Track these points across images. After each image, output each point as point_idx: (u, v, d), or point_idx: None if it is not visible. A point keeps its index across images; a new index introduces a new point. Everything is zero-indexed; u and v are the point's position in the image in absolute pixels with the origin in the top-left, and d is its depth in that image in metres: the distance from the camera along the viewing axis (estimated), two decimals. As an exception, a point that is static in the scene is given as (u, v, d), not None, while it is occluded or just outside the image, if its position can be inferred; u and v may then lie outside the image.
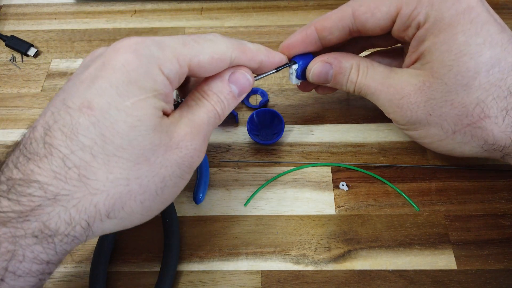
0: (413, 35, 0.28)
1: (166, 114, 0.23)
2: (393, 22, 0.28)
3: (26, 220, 0.19)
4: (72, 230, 0.20)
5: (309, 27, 0.30)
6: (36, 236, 0.19)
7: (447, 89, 0.27)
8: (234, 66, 0.26)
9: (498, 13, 0.45)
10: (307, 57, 0.32)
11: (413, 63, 0.29)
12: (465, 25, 0.26)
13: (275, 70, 0.30)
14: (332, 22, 0.30)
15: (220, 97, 0.25)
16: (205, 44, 0.24)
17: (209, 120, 0.25)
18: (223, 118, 0.26)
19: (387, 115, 0.31)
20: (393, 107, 0.30)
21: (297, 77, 0.32)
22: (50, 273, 0.21)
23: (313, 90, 0.36)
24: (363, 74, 0.31)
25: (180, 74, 0.23)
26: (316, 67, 0.31)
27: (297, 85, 0.35)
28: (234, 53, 0.25)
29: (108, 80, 0.21)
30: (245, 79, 0.26)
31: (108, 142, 0.20)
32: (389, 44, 0.34)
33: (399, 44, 0.33)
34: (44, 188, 0.19)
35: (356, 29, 0.30)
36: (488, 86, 0.26)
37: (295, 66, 0.32)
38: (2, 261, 0.18)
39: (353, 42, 0.34)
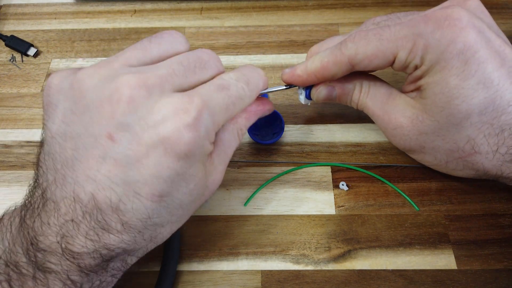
0: (410, 74, 0.29)
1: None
2: (392, 63, 0.29)
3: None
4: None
5: (309, 76, 0.31)
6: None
7: (438, 126, 0.28)
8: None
9: (498, 13, 0.45)
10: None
11: (411, 91, 0.30)
12: (459, 68, 0.26)
13: (284, 87, 0.33)
14: (331, 72, 0.30)
15: (244, 124, 0.28)
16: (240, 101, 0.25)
17: (232, 151, 0.28)
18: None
19: (386, 138, 0.34)
20: (388, 135, 0.32)
21: (306, 97, 0.34)
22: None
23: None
24: (364, 93, 0.32)
25: (214, 131, 0.24)
26: (320, 91, 0.33)
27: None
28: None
29: (173, 168, 0.21)
30: (261, 105, 0.30)
31: (174, 214, 0.24)
32: None
33: None
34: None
35: (354, 68, 0.30)
36: (480, 125, 0.26)
37: (302, 89, 0.34)
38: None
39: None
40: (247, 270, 0.32)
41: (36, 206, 0.22)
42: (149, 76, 0.21)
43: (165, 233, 0.24)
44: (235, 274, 0.31)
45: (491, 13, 0.44)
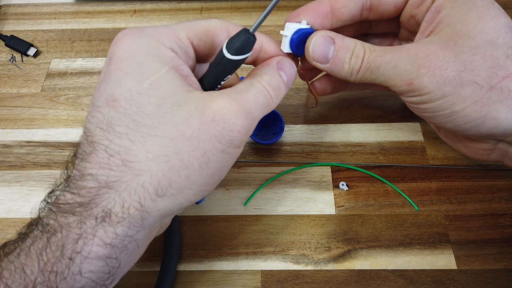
0: (427, 10, 0.28)
1: (197, 89, 0.24)
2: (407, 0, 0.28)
3: (90, 208, 0.21)
4: (127, 211, 0.21)
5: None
6: (96, 219, 0.21)
7: (475, 44, 0.26)
8: (277, 57, 0.27)
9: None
10: (307, 29, 0.29)
11: (426, 37, 0.28)
12: None
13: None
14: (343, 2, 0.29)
15: (272, 80, 0.25)
16: (198, 21, 0.26)
17: (257, 100, 0.24)
18: (275, 104, 0.26)
19: (407, 85, 0.27)
20: (418, 68, 0.26)
21: (291, 46, 0.29)
22: (118, 261, 0.22)
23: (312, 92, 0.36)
24: (370, 49, 0.28)
25: (183, 47, 0.24)
26: (318, 39, 0.29)
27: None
28: (223, 25, 0.26)
29: (120, 70, 0.22)
30: (291, 66, 0.27)
31: (141, 125, 0.22)
32: (386, 30, 0.34)
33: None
34: (96, 179, 0.21)
35: (369, 6, 0.29)
36: (511, 44, 0.26)
37: (291, 29, 0.29)
38: (71, 243, 0.20)
39: (352, 25, 0.33)
40: (247, 270, 0.32)
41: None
42: None
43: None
44: (235, 274, 0.31)
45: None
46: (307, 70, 0.34)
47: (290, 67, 0.27)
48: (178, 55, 0.24)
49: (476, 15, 0.26)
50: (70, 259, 0.20)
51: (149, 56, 0.22)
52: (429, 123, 0.35)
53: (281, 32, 0.30)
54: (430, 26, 0.28)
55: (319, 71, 0.33)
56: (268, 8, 0.23)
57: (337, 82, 0.35)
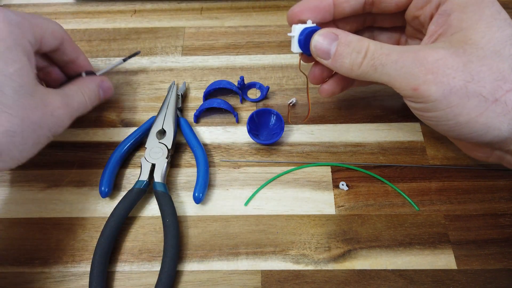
0: (431, 14, 0.28)
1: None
2: None
3: None
4: None
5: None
6: None
7: (483, 54, 0.26)
8: (102, 77, 0.38)
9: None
10: (313, 27, 0.30)
11: (435, 40, 0.28)
12: (489, 3, 0.27)
13: (122, 60, 0.41)
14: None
15: (91, 95, 0.36)
16: (47, 22, 0.33)
17: (78, 106, 0.34)
18: (88, 109, 0.36)
19: (412, 90, 0.27)
20: (426, 73, 0.26)
21: (300, 46, 0.30)
22: None
23: (312, 93, 0.36)
24: (376, 46, 0.27)
25: (36, 42, 0.31)
26: (320, 35, 0.29)
27: (299, 55, 0.34)
28: (65, 35, 0.35)
29: None
30: (109, 88, 0.38)
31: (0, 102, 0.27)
32: (392, 25, 0.34)
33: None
34: None
35: (372, 0, 0.29)
36: None
37: (297, 29, 0.30)
38: None
39: (355, 17, 0.33)
40: (247, 270, 0.32)
41: None
42: None
43: None
44: (235, 274, 0.31)
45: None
46: (320, 72, 0.34)
47: (109, 88, 0.39)
48: (32, 49, 0.30)
49: (485, 24, 0.26)
50: None
51: (16, 45, 0.28)
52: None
53: (288, 34, 0.31)
54: (439, 30, 0.28)
55: (330, 72, 0.34)
56: (110, 66, 0.40)
57: (344, 81, 0.35)
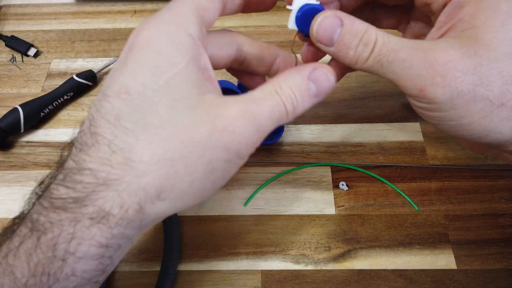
0: (444, 2, 0.27)
1: (213, 86, 0.23)
2: None
3: (84, 205, 0.20)
4: (125, 213, 0.20)
5: None
6: (92, 219, 0.20)
7: (494, 56, 0.25)
8: (315, 64, 0.25)
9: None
10: (315, 5, 0.27)
11: (444, 34, 0.27)
12: None
13: None
14: None
15: (295, 93, 0.23)
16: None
17: (271, 115, 0.22)
18: (292, 118, 0.24)
19: (418, 91, 0.26)
20: (434, 75, 0.25)
21: (296, 22, 0.27)
22: (111, 259, 0.21)
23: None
24: (384, 40, 0.26)
25: (203, 28, 0.23)
26: (324, 19, 0.26)
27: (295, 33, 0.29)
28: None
29: (137, 60, 0.21)
30: (327, 79, 0.25)
31: (150, 124, 0.21)
32: (396, 3, 0.32)
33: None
34: (95, 175, 0.20)
35: None
36: None
37: (298, 2, 0.27)
38: (64, 243, 0.19)
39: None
40: (247, 270, 0.32)
41: None
42: None
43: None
44: (235, 274, 0.31)
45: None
46: (314, 53, 0.30)
47: (325, 80, 0.25)
48: (199, 41, 0.22)
49: (499, 22, 0.25)
50: (63, 260, 0.19)
51: (169, 45, 0.21)
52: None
53: (288, 6, 0.27)
54: (449, 22, 0.26)
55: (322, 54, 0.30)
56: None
57: (343, 68, 0.31)
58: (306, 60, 0.31)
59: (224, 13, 0.26)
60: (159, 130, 0.21)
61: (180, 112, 0.21)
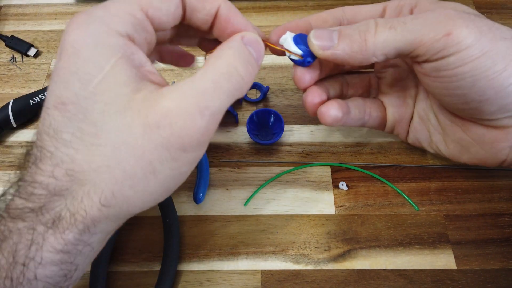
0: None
1: (151, 81, 0.22)
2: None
3: (40, 214, 0.20)
4: (75, 220, 0.20)
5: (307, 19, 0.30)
6: (47, 226, 0.20)
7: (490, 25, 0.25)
8: (241, 32, 0.24)
9: (498, 13, 0.45)
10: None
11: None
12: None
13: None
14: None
15: (241, 55, 0.22)
16: None
17: (218, 87, 0.20)
18: (247, 84, 0.22)
19: (446, 37, 0.24)
20: (455, 18, 0.24)
21: (304, 55, 0.27)
22: (74, 265, 0.21)
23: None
24: (398, 22, 0.25)
25: (138, 24, 0.22)
26: (318, 30, 0.27)
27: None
28: None
29: (67, 68, 0.20)
30: (258, 42, 0.24)
31: (85, 133, 0.20)
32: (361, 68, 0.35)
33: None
34: (45, 187, 0.20)
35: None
36: None
37: (288, 35, 0.27)
38: (23, 249, 0.20)
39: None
40: (247, 270, 0.32)
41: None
42: None
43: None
44: (235, 274, 0.32)
45: (491, 13, 0.44)
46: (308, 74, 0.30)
47: (257, 42, 0.24)
48: (131, 39, 0.21)
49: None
50: (24, 265, 0.19)
51: (97, 48, 0.20)
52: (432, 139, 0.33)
53: (280, 41, 0.28)
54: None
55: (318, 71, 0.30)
56: None
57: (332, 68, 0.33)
58: (300, 81, 0.30)
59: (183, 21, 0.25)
60: (95, 139, 0.20)
61: (112, 116, 0.20)
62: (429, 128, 0.32)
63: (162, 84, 0.22)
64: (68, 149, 0.20)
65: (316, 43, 0.26)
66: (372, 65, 0.34)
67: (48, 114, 0.21)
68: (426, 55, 0.25)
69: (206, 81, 0.20)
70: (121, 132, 0.20)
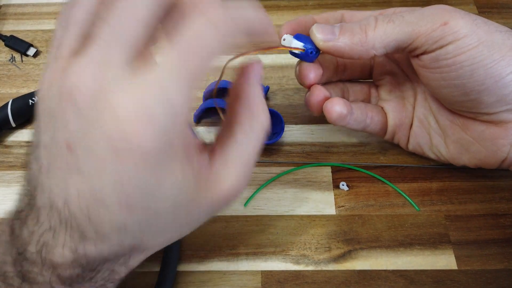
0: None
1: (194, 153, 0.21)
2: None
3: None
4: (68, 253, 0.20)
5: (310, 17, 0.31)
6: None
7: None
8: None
9: (498, 13, 0.45)
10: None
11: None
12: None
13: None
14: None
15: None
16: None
17: (255, 153, 0.22)
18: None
19: (442, 26, 0.25)
20: (450, 10, 0.26)
21: (308, 52, 0.28)
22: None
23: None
24: (396, 16, 0.26)
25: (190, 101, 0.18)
26: (319, 25, 0.28)
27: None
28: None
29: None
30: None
31: (154, 224, 0.21)
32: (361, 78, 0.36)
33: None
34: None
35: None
36: None
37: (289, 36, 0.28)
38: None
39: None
40: (247, 271, 0.32)
41: (23, 214, 0.20)
42: None
43: (155, 242, 0.23)
44: (235, 274, 0.31)
45: (491, 12, 0.44)
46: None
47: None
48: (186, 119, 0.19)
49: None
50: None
51: (162, 147, 0.17)
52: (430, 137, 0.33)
53: (283, 42, 0.28)
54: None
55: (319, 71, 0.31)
56: None
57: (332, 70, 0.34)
58: (305, 77, 0.31)
59: None
60: (165, 229, 0.24)
61: (184, 207, 0.21)
62: (429, 131, 0.32)
63: (199, 145, 0.22)
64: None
65: (319, 36, 0.27)
66: (370, 75, 0.35)
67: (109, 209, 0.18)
68: (425, 45, 0.26)
69: (251, 152, 0.23)
70: (190, 218, 0.23)
